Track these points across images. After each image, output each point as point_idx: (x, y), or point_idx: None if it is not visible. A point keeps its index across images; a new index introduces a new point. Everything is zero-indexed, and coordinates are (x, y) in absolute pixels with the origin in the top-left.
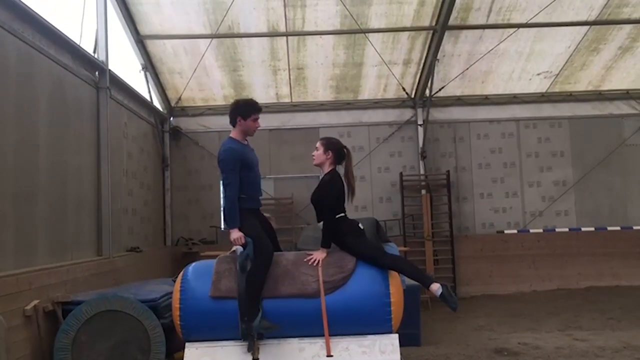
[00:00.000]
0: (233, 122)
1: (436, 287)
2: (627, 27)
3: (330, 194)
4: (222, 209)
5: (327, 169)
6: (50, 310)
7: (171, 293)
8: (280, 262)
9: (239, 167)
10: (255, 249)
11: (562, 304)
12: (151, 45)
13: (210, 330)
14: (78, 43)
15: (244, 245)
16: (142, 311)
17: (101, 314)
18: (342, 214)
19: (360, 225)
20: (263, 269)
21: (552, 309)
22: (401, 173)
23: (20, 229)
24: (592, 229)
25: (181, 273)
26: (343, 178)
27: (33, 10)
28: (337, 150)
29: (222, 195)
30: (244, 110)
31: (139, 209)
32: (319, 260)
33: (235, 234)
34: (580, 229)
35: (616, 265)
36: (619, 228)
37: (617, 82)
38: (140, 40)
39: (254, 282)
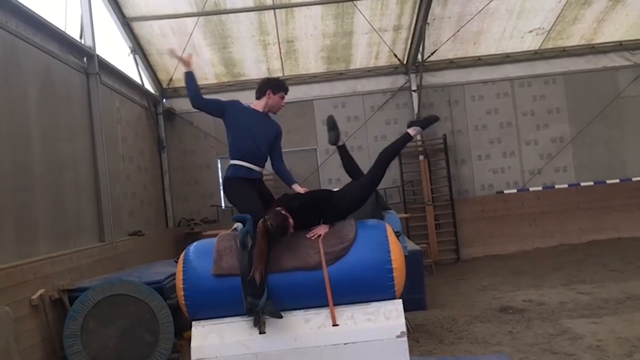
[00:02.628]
0: (261, 94)
1: (413, 131)
2: None
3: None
4: None
5: None
6: (57, 299)
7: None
8: None
9: (219, 112)
10: (254, 226)
11: (564, 259)
12: (138, 27)
13: (215, 307)
14: (64, 30)
15: None
16: (148, 293)
17: (107, 298)
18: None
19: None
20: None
21: (555, 265)
22: None
23: (19, 220)
24: (591, 183)
25: (183, 253)
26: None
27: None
28: None
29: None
30: (276, 85)
31: (139, 192)
32: (321, 235)
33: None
34: (579, 184)
35: (616, 217)
36: (617, 181)
37: (610, 34)
38: (126, 23)
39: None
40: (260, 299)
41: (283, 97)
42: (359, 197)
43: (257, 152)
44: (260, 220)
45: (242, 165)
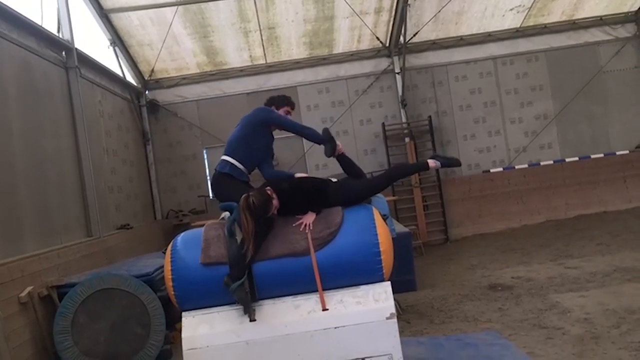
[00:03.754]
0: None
1: (433, 163)
2: None
3: None
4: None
5: None
6: (46, 295)
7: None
8: None
9: (260, 131)
10: None
11: (552, 235)
12: (116, 19)
13: (205, 297)
14: (40, 24)
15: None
16: (137, 286)
17: (97, 293)
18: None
19: (333, 179)
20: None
21: (543, 241)
22: (383, 123)
23: (4, 217)
24: (576, 158)
25: (170, 244)
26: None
27: None
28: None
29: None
30: (278, 100)
31: (125, 186)
32: (308, 224)
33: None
34: (564, 160)
35: (602, 191)
36: (602, 155)
37: (590, 9)
38: (104, 15)
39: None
40: (236, 282)
41: (288, 112)
42: (356, 196)
43: (256, 163)
44: (243, 196)
45: (238, 167)
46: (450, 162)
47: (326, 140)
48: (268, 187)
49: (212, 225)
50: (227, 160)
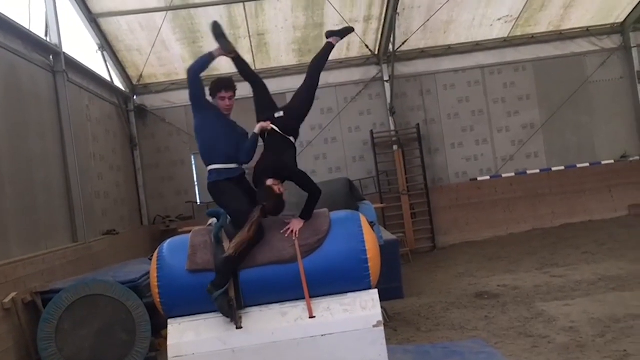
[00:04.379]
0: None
1: (334, 40)
2: None
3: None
4: None
5: None
6: (30, 301)
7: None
8: None
9: (198, 101)
10: (236, 223)
11: (538, 243)
12: (105, 23)
13: (191, 304)
14: (27, 27)
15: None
16: (123, 293)
17: (82, 299)
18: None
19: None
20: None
21: (529, 250)
22: (372, 131)
23: None
24: (562, 167)
25: (157, 250)
26: None
27: None
28: None
29: None
30: (210, 89)
31: (111, 191)
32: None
33: None
34: (550, 169)
35: (587, 200)
36: (588, 164)
37: (577, 20)
38: (93, 19)
39: (236, 259)
40: (219, 290)
41: (223, 98)
42: (307, 103)
43: (227, 152)
44: (257, 210)
45: (220, 169)
46: (345, 31)
47: (218, 36)
48: (270, 181)
49: (198, 232)
50: (209, 170)
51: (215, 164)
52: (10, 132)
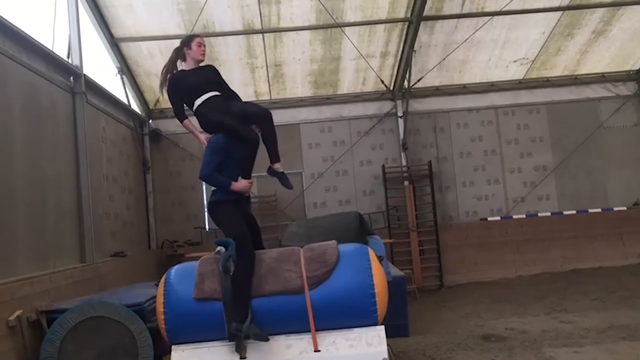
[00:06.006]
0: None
1: None
2: (600, 11)
3: None
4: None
5: None
6: (35, 320)
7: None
8: (264, 260)
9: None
10: (238, 251)
11: (547, 287)
12: (126, 48)
13: (196, 332)
14: (51, 48)
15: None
16: (127, 316)
17: (87, 320)
18: None
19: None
20: (246, 271)
21: (538, 293)
22: (383, 165)
23: None
24: (574, 212)
25: (164, 276)
26: None
27: (2, 17)
28: None
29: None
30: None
31: (122, 213)
32: (301, 257)
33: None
34: (562, 213)
35: (598, 246)
36: (599, 210)
37: (592, 65)
38: (114, 44)
39: (239, 285)
40: (244, 322)
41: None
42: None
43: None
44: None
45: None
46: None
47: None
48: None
49: (207, 260)
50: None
51: None
52: (26, 150)
